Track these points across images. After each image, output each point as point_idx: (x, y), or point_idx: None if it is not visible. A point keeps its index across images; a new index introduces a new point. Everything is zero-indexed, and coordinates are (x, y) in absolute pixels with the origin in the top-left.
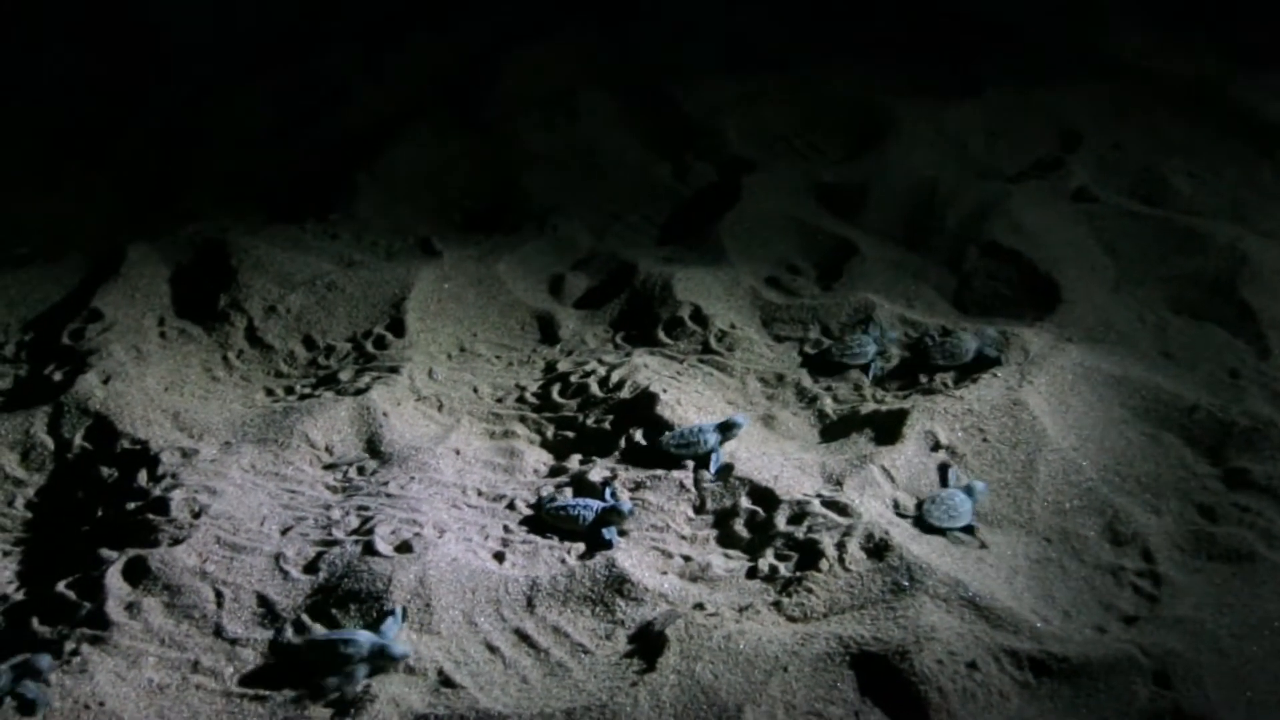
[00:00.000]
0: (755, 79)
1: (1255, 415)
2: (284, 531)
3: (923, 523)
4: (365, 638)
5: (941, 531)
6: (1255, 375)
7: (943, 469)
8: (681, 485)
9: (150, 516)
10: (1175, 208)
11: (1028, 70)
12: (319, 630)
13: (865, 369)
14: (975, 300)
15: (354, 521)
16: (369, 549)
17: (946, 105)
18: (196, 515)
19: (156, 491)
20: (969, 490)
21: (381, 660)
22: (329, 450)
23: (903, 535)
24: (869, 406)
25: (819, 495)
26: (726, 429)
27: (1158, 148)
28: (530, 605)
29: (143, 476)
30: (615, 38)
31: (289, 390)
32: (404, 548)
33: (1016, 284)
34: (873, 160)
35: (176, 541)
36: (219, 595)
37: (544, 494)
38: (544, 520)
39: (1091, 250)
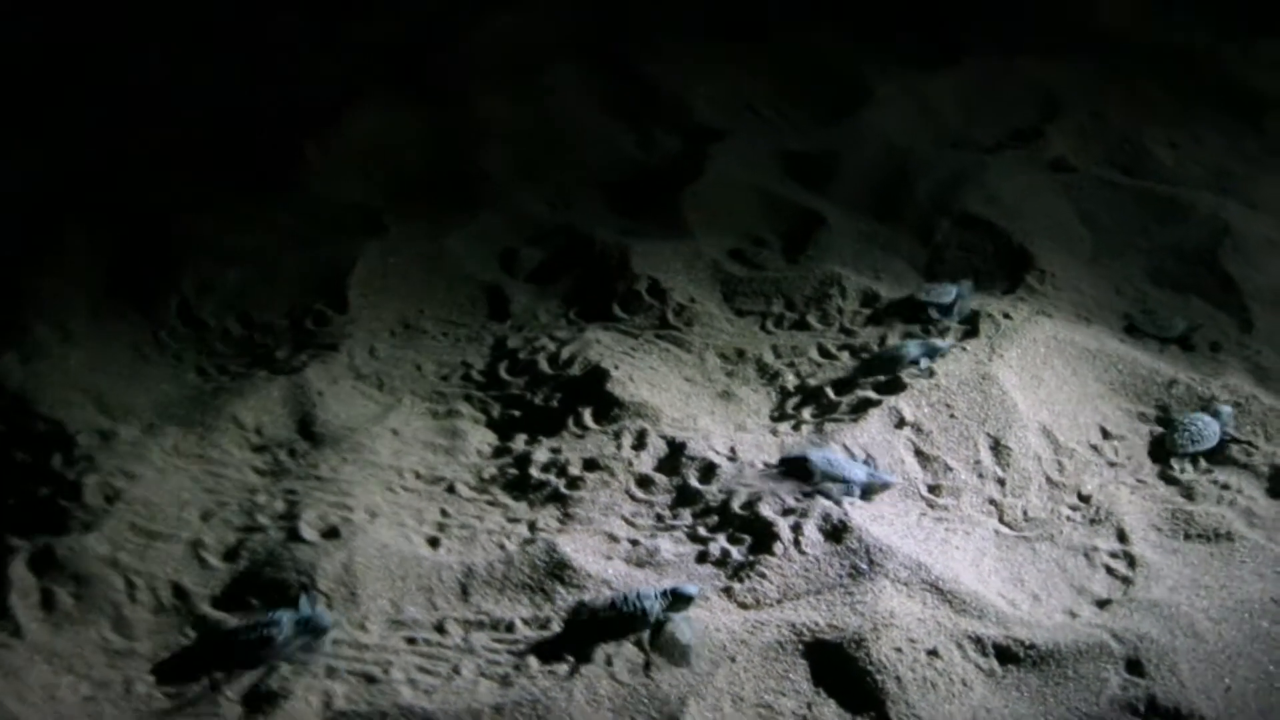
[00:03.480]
0: (725, 47)
1: (1236, 390)
2: (205, 517)
3: (1161, 450)
4: (287, 614)
5: (1187, 457)
6: (1237, 348)
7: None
8: (630, 465)
9: (61, 502)
10: (1156, 178)
11: (1008, 39)
12: (237, 618)
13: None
14: (946, 273)
15: (280, 506)
16: (293, 535)
17: (922, 74)
18: (111, 500)
19: (70, 476)
20: (1216, 414)
21: (310, 634)
22: (259, 432)
23: (862, 517)
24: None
25: (775, 474)
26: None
27: (1139, 117)
28: (464, 593)
29: (57, 460)
30: (580, 5)
31: (222, 370)
32: (331, 533)
33: (989, 256)
34: (844, 130)
35: (88, 528)
36: (131, 585)
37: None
38: (592, 629)
39: (1069, 221)
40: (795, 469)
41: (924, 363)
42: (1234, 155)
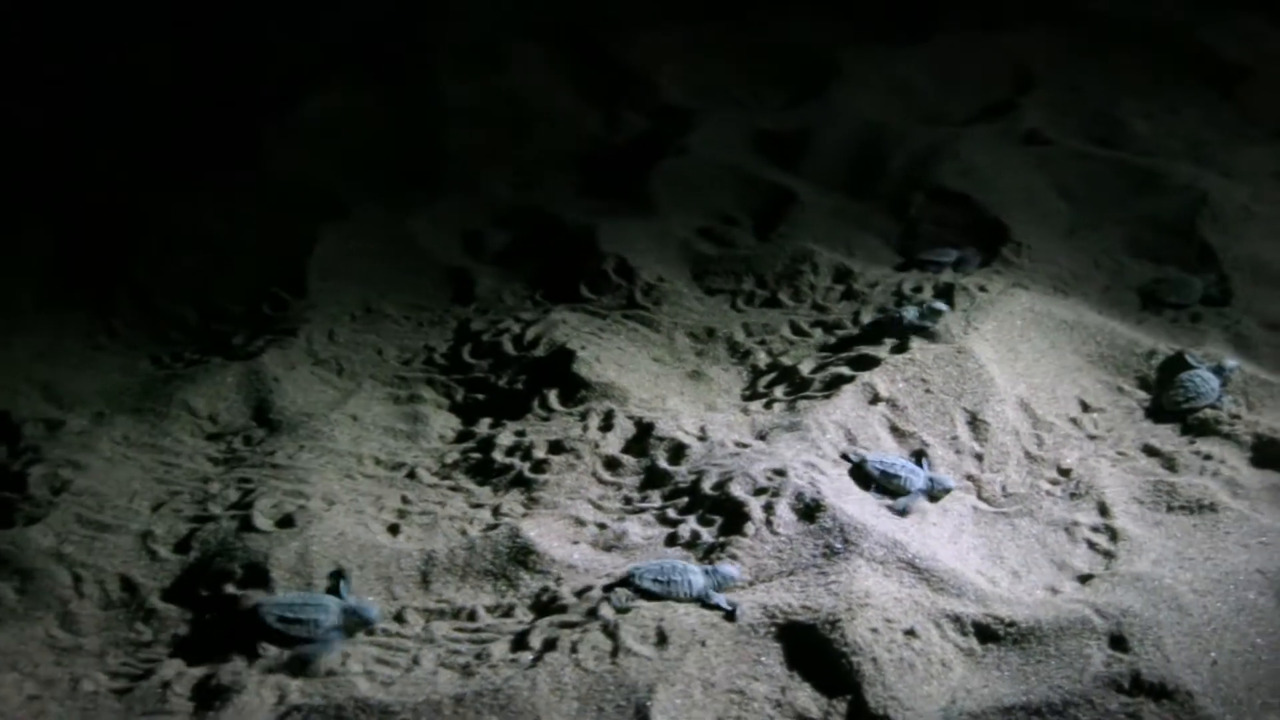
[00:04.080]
0: (693, 26)
1: (1217, 359)
2: (155, 508)
3: (1159, 411)
4: (334, 601)
5: (1181, 415)
6: (1216, 318)
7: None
8: (597, 446)
9: (5, 494)
10: (1132, 149)
11: (980, 14)
12: (276, 597)
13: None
14: (920, 248)
15: (233, 495)
16: (246, 524)
17: (894, 50)
18: (57, 492)
19: (15, 467)
20: (1219, 369)
21: (353, 624)
22: (213, 419)
23: (835, 494)
24: (807, 363)
25: (747, 454)
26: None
27: (1114, 89)
28: (425, 581)
29: (2, 451)
30: None
31: (176, 357)
32: (285, 522)
33: (964, 229)
34: (815, 107)
35: (32, 521)
36: (77, 579)
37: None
38: (638, 591)
39: (1044, 194)
40: (854, 474)
41: (925, 324)
42: (1209, 125)
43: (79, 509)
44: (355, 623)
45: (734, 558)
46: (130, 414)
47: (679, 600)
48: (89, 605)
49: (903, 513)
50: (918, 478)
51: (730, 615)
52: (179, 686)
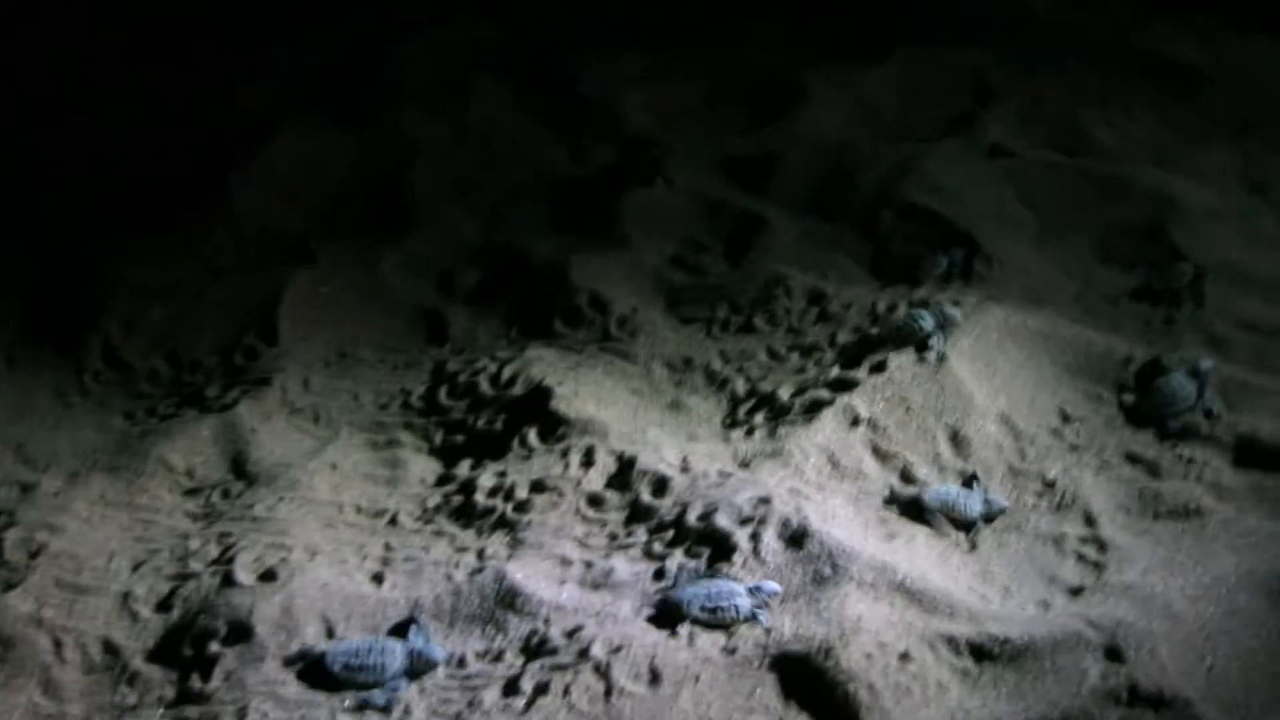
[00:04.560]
0: (657, 54)
1: (1192, 362)
2: (135, 567)
3: (1138, 414)
4: (400, 645)
5: (1160, 421)
6: (1190, 320)
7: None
8: (579, 484)
9: None
10: (1096, 157)
11: (937, 30)
12: (341, 644)
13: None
14: (893, 266)
15: (214, 551)
16: (228, 580)
17: (855, 69)
18: (34, 555)
19: None
20: (1195, 372)
21: (420, 665)
22: (190, 474)
23: (821, 520)
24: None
25: (730, 483)
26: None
27: (1073, 98)
28: None
29: None
30: (508, 20)
31: (150, 412)
32: (268, 575)
33: (935, 245)
34: (780, 129)
35: (10, 586)
36: (58, 644)
37: (675, 594)
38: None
39: (1012, 205)
40: (907, 510)
41: (936, 339)
42: (1171, 129)
43: (57, 572)
44: (422, 665)
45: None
46: (106, 472)
47: (727, 626)
48: (71, 670)
49: (973, 547)
50: (976, 502)
51: (769, 630)
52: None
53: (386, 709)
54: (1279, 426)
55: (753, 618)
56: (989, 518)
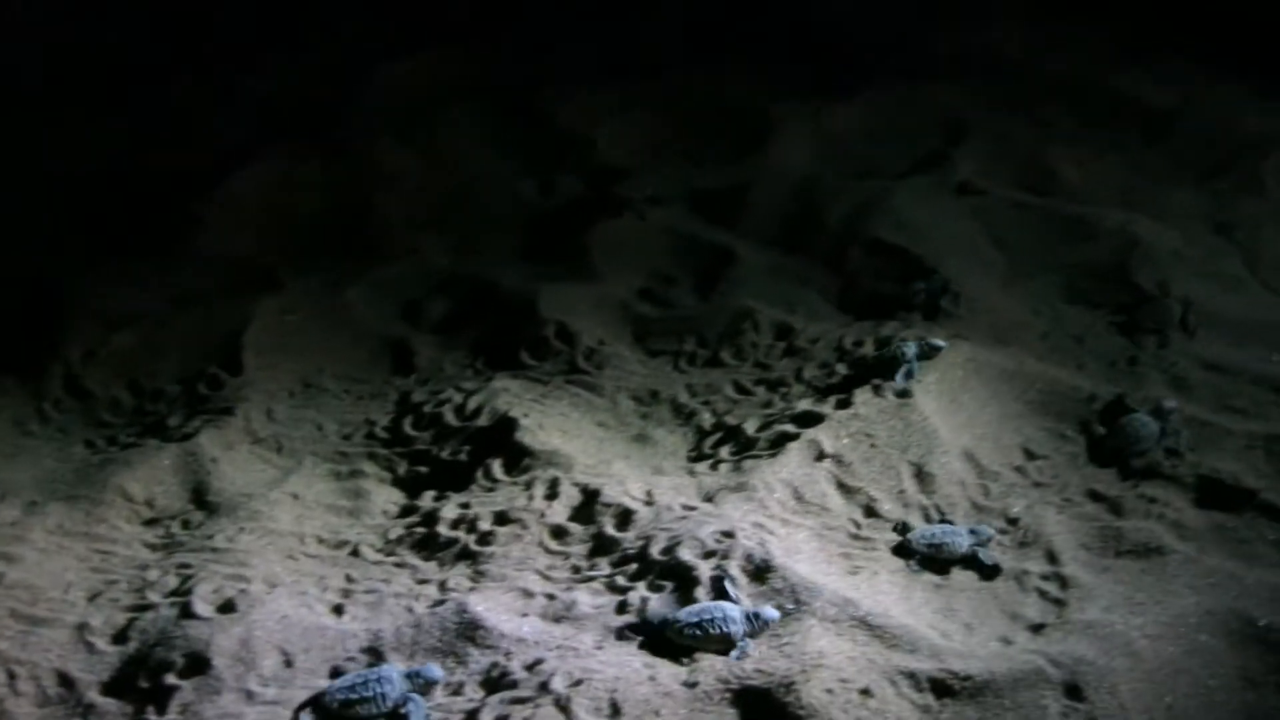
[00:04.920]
0: (629, 89)
1: (1155, 402)
2: (92, 599)
3: (1103, 452)
4: (394, 671)
5: (1123, 459)
6: (1154, 360)
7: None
8: (543, 516)
9: None
10: (1063, 197)
11: (908, 69)
12: (337, 681)
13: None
14: (859, 302)
15: (173, 582)
16: (186, 611)
17: (826, 106)
18: None
19: None
20: (1158, 412)
21: (421, 686)
22: (149, 504)
23: (785, 554)
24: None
25: (694, 517)
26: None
27: (1043, 139)
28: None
29: None
30: (481, 52)
31: (111, 441)
32: (227, 607)
33: (900, 280)
34: (750, 164)
35: None
36: (12, 676)
37: (657, 614)
38: (670, 641)
39: (979, 243)
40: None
41: (913, 367)
42: (1137, 171)
43: (12, 603)
44: (423, 685)
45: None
46: (64, 502)
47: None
48: (25, 704)
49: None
50: (962, 538)
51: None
52: None
53: None
54: (1241, 467)
55: (744, 649)
56: (982, 543)
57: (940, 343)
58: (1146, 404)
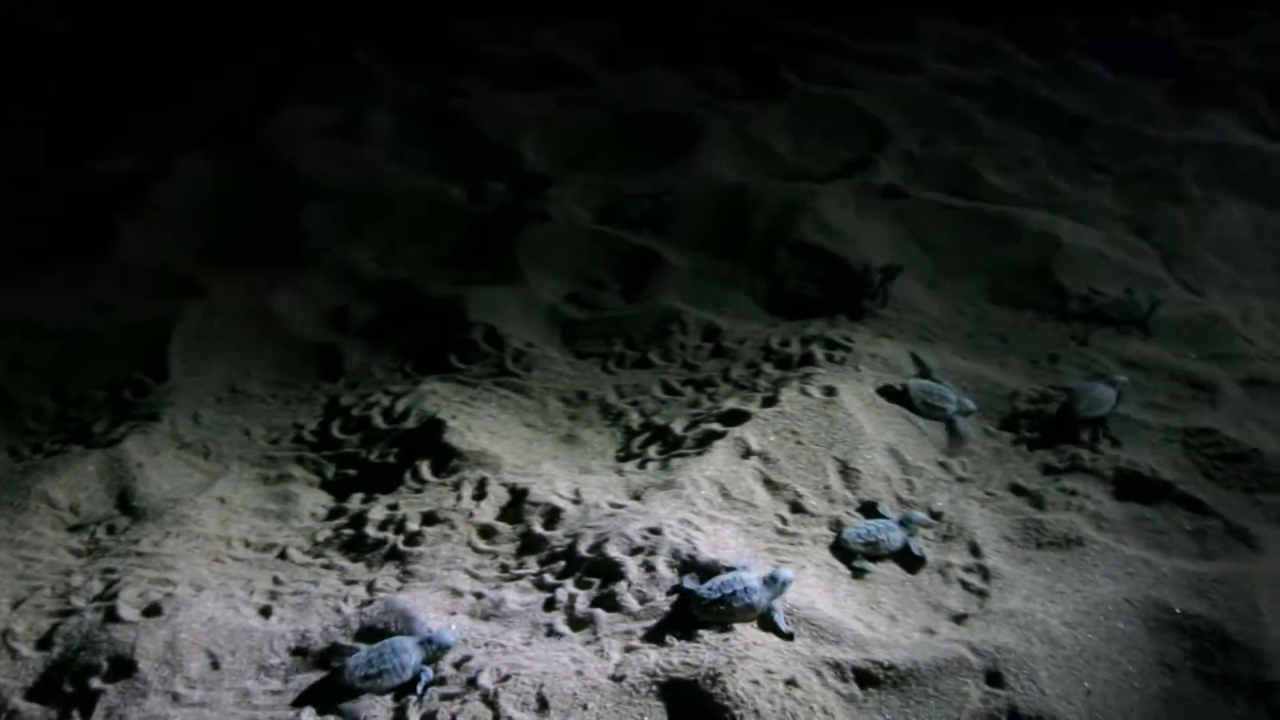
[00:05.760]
0: (556, 97)
1: (1109, 374)
2: (15, 605)
3: (1064, 415)
4: (409, 641)
5: (1090, 422)
6: (1076, 357)
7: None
8: (471, 515)
9: None
10: (987, 199)
11: (833, 76)
12: (353, 657)
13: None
14: (786, 303)
15: (97, 587)
16: (111, 615)
17: (753, 112)
18: None
19: None
20: (1111, 382)
21: (435, 652)
22: (74, 510)
23: (712, 549)
24: (679, 421)
25: (622, 514)
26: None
27: (967, 143)
28: (300, 663)
29: None
30: (407, 63)
31: (36, 448)
32: (152, 610)
33: (826, 282)
34: (677, 169)
35: None
36: None
37: (691, 587)
38: (699, 619)
39: (905, 245)
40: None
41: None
42: (1059, 174)
43: None
44: (437, 651)
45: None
46: None
47: (736, 615)
48: None
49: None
50: (895, 533)
51: (789, 636)
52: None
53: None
54: (1158, 460)
55: (769, 614)
56: (914, 533)
57: (972, 404)
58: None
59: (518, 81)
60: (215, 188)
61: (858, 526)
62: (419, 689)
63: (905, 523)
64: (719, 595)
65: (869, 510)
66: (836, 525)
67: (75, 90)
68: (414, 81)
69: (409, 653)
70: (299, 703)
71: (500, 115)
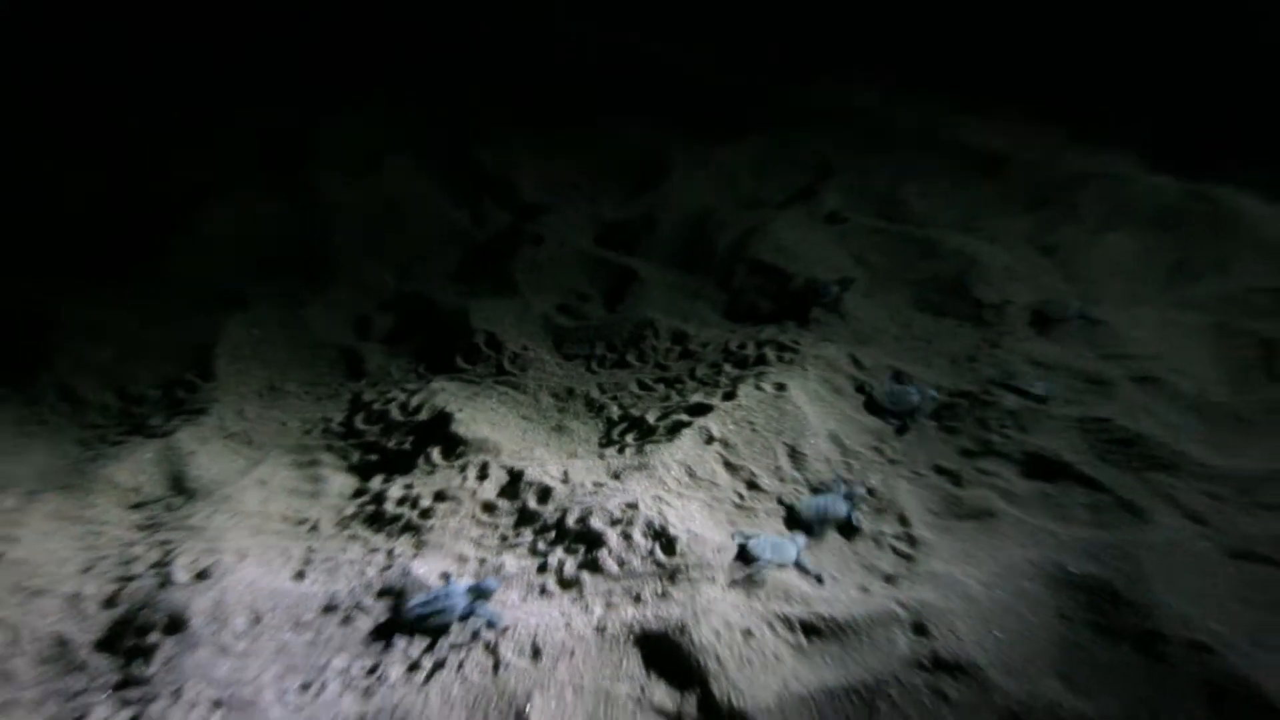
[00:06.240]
0: (547, 135)
1: (991, 392)
2: (84, 571)
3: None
4: (457, 589)
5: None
6: (988, 358)
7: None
8: (475, 493)
9: None
10: (914, 223)
11: (785, 118)
12: (414, 599)
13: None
14: (743, 312)
15: (155, 556)
16: (167, 579)
17: (717, 148)
18: None
19: None
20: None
21: (481, 596)
22: (135, 491)
23: (680, 520)
24: (652, 412)
25: (603, 491)
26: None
27: (897, 176)
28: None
29: None
30: (419, 105)
31: (101, 439)
32: (202, 575)
33: (778, 295)
34: (651, 199)
35: None
36: (13, 638)
37: (748, 543)
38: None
39: (845, 262)
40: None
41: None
42: (975, 202)
43: (14, 577)
44: (481, 593)
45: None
46: (59, 491)
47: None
48: (26, 661)
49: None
50: (841, 505)
51: (820, 579)
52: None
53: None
54: (1058, 445)
55: (801, 565)
56: (856, 505)
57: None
58: (985, 393)
59: (512, 124)
60: (256, 214)
61: (809, 500)
62: (470, 620)
63: (849, 496)
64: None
65: (818, 489)
66: (786, 499)
67: (128, 131)
68: (427, 122)
69: (459, 596)
70: (373, 636)
71: (502, 152)
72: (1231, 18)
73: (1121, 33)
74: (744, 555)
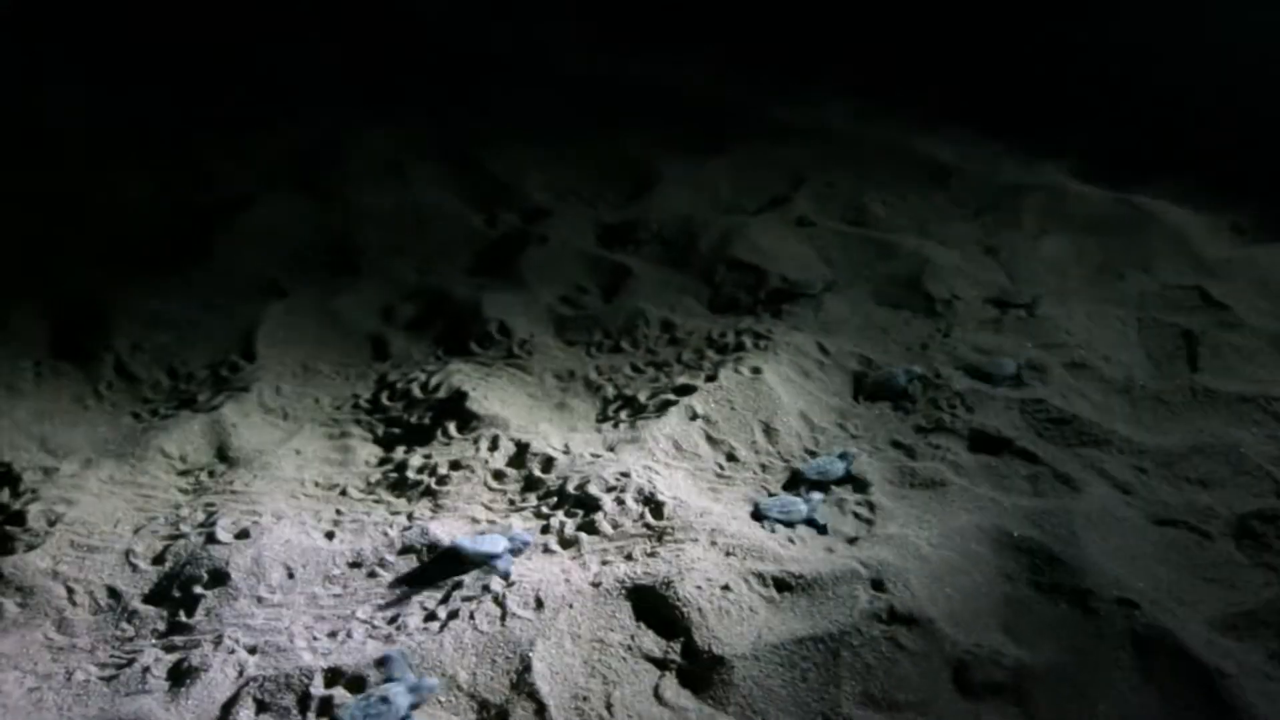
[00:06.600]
0: (552, 145)
1: (941, 375)
2: (135, 531)
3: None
4: (502, 540)
5: (986, 375)
6: (940, 345)
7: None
8: (486, 463)
9: (8, 529)
10: (874, 227)
11: (763, 134)
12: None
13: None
14: (724, 304)
15: (200, 517)
16: (210, 538)
17: (700, 159)
18: (53, 523)
19: (16, 506)
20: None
21: (519, 546)
22: (183, 459)
23: (668, 488)
24: (643, 392)
25: (600, 462)
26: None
27: (860, 185)
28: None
29: (5, 494)
30: (439, 120)
31: (153, 413)
32: (242, 534)
33: (754, 289)
34: (644, 204)
35: (31, 548)
36: (71, 591)
37: (763, 504)
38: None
39: (813, 261)
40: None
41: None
42: (929, 208)
43: (71, 536)
44: (519, 546)
45: (593, 539)
46: (114, 459)
47: (793, 525)
48: (81, 612)
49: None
50: (837, 466)
51: (823, 530)
52: (157, 670)
53: (506, 576)
54: (1000, 422)
55: (811, 520)
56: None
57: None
58: (937, 376)
59: (520, 136)
60: (292, 215)
61: (815, 462)
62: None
63: (843, 456)
64: (784, 513)
65: (815, 454)
66: (766, 468)
67: (176, 144)
68: (445, 135)
69: (504, 542)
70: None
71: (513, 163)
72: (1134, 59)
73: (1055, 61)
74: (756, 514)
